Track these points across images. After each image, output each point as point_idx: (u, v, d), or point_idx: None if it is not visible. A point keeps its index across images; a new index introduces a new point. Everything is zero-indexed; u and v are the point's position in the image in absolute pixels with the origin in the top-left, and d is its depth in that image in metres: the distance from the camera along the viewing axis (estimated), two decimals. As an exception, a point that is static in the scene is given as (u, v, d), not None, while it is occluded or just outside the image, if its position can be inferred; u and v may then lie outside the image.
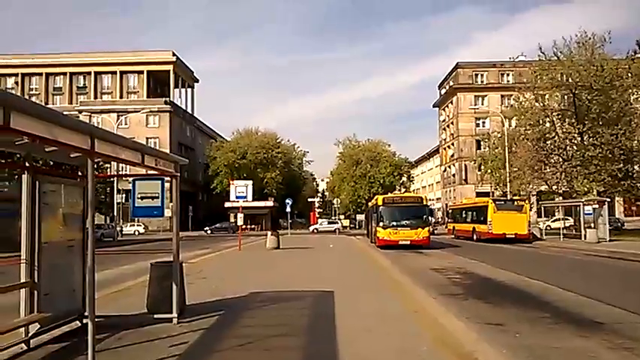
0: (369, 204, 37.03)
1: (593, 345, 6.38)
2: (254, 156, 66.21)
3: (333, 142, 77.37)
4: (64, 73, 74.84)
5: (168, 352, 5.77)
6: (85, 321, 6.57)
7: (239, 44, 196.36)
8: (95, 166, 5.30)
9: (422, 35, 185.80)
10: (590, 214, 28.97)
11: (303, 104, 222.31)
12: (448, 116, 75.93)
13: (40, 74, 74.76)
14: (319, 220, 65.29)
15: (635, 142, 34.45)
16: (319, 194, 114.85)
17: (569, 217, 33.47)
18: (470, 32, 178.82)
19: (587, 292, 10.52)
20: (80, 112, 64.65)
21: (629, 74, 34.56)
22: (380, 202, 26.75)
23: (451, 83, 73.22)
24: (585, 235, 28.35)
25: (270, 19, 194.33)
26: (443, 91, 78.18)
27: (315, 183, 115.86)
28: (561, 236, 31.44)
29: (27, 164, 6.04)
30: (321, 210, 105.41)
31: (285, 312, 8.48)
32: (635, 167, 35.56)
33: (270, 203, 64.26)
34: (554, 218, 38.82)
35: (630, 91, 35.72)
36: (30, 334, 5.92)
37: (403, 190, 67.31)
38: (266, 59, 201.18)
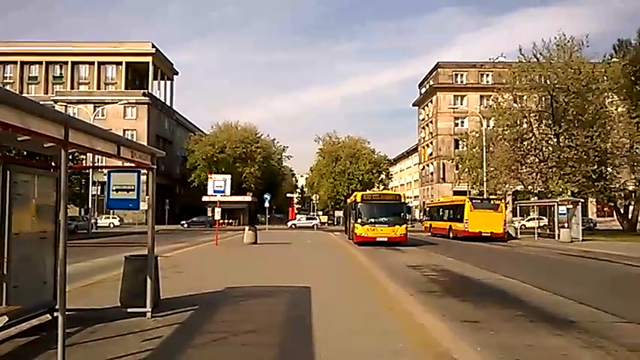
0: (348, 200, 37.11)
1: (567, 343, 6.46)
2: (233, 150, 65.68)
3: (313, 138, 77.47)
4: (40, 62, 73.31)
5: (141, 347, 5.66)
6: (55, 314, 6.43)
7: (221, 40, 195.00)
8: (70, 157, 5.17)
9: (404, 35, 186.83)
10: (564, 214, 29.47)
11: (283, 101, 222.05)
12: (428, 115, 76.45)
13: (15, 62, 73.08)
14: (297, 216, 65.26)
15: (609, 144, 35.12)
16: (298, 190, 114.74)
17: (544, 217, 34.02)
18: (452, 33, 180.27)
19: (561, 290, 10.69)
20: (56, 102, 63.15)
21: (605, 78, 35.20)
22: (358, 199, 26.81)
23: (431, 83, 73.76)
24: (559, 235, 28.81)
25: (253, 15, 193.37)
26: (423, 91, 78.72)
27: (294, 179, 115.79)
28: (536, 235, 31.91)
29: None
30: (300, 206, 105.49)
31: (262, 308, 8.41)
32: (609, 169, 36.31)
33: (248, 198, 63.85)
34: (529, 218, 39.46)
35: (606, 94, 36.43)
36: (-2, 328, 5.76)
37: (382, 187, 67.60)
38: (248, 55, 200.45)
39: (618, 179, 36.74)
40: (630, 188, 38.02)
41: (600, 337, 6.73)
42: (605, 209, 52.40)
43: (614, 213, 41.40)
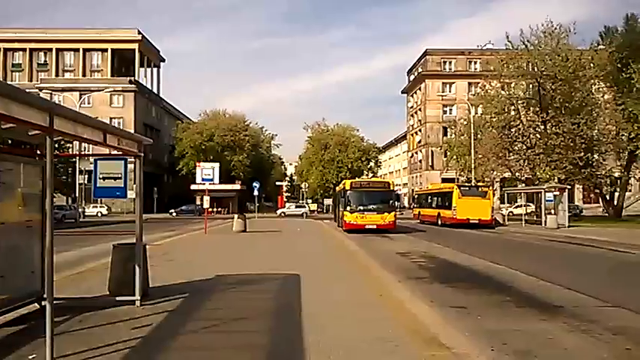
0: (337, 188, 37.14)
1: (553, 327, 6.54)
2: (221, 138, 65.42)
3: (301, 126, 77.27)
4: (24, 49, 72.15)
5: (131, 335, 5.66)
6: (43, 303, 6.39)
7: (210, 26, 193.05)
8: (56, 145, 5.11)
9: (394, 21, 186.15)
10: (551, 200, 29.73)
11: (272, 88, 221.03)
12: (416, 102, 76.53)
13: (-2, 49, 71.92)
14: (287, 204, 65.18)
15: (596, 131, 35.47)
16: (287, 178, 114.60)
17: (531, 204, 34.32)
18: (441, 19, 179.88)
19: (548, 276, 10.81)
20: (41, 89, 62.43)
21: (592, 65, 35.39)
22: (348, 187, 26.85)
23: (420, 70, 73.73)
24: (546, 221, 29.10)
25: (242, 3, 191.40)
26: (411, 78, 78.65)
27: (283, 167, 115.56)
28: (523, 222, 32.22)
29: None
30: (289, 194, 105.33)
31: (252, 295, 8.43)
32: (595, 156, 36.68)
33: (237, 186, 63.77)
34: (517, 204, 39.76)
35: (592, 81, 36.63)
36: (-16, 317, 5.73)
37: (371, 175, 67.74)
38: (237, 42, 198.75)
39: (604, 166, 37.13)
40: (616, 175, 38.43)
41: (585, 322, 6.83)
42: (591, 196, 52.93)
43: (600, 199, 41.86)
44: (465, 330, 6.22)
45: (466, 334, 6.00)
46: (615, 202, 39.31)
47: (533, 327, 6.63)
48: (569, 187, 32.66)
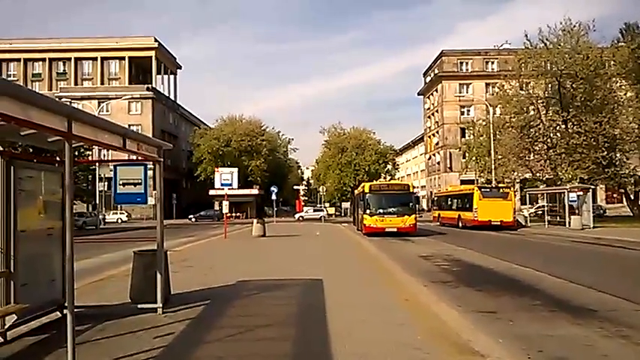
0: (356, 191, 36.93)
1: (589, 333, 6.27)
2: (238, 143, 65.60)
3: (318, 130, 77.15)
4: (43, 59, 73.31)
5: (153, 344, 5.53)
6: (65, 312, 6.30)
7: (224, 31, 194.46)
8: (75, 152, 5.01)
9: (409, 23, 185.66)
10: (575, 201, 29.11)
11: (288, 92, 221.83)
12: (433, 104, 75.95)
13: (19, 60, 73.07)
14: (305, 208, 65.05)
15: (619, 130, 34.70)
16: (304, 182, 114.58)
17: (554, 204, 33.68)
18: (455, 20, 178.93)
19: (577, 278, 10.49)
20: (60, 98, 63.27)
21: (613, 63, 34.72)
22: (367, 190, 26.63)
23: (436, 71, 73.15)
24: (569, 222, 28.52)
25: (256, 6, 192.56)
26: (428, 79, 78.11)
27: (300, 171, 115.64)
28: (546, 223, 31.64)
29: (1, 148, 5.71)
30: (307, 198, 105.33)
31: (275, 301, 8.26)
32: (618, 155, 35.92)
33: (255, 191, 63.86)
34: (538, 205, 39.10)
35: (614, 79, 35.95)
36: (6, 326, 5.65)
37: (388, 177, 67.33)
38: (252, 47, 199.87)
39: (628, 165, 36.32)
40: (640, 174, 37.60)
41: (623, 327, 6.55)
42: (614, 195, 51.91)
43: (624, 199, 40.97)
44: (497, 335, 5.99)
45: (500, 341, 5.76)
46: (640, 202, 38.44)
47: (567, 332, 6.37)
48: (592, 187, 31.99)
